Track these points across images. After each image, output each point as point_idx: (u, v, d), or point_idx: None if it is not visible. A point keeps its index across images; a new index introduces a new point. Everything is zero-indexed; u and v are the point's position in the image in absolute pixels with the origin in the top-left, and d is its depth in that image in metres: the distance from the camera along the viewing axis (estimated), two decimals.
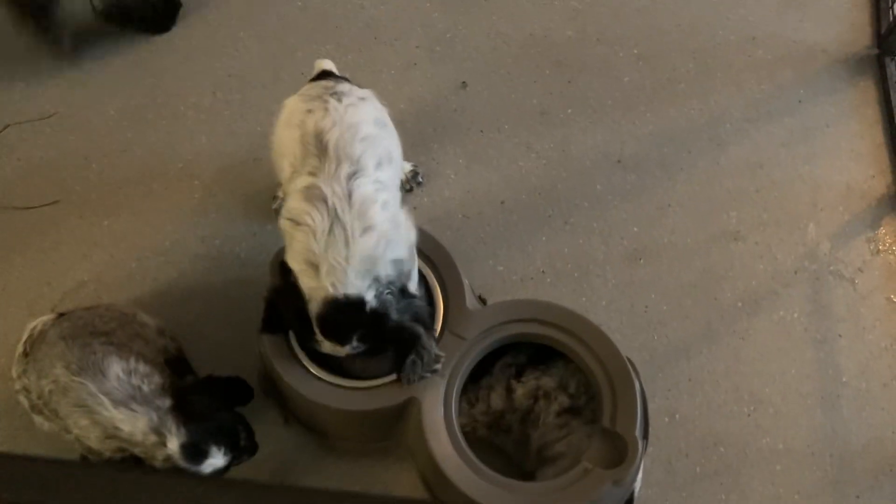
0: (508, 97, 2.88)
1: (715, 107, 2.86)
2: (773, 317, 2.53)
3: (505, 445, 2.25)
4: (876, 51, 2.95)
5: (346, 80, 2.22)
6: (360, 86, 2.20)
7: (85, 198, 2.70)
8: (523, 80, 2.91)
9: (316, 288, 1.93)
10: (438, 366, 2.08)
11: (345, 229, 1.91)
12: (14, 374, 2.18)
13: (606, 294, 2.55)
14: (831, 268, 2.60)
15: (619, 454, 1.98)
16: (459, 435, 2.04)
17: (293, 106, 2.10)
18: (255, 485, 1.34)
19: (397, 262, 2.00)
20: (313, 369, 2.13)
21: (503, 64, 2.94)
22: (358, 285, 1.93)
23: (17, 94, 2.86)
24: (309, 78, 2.27)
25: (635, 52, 2.96)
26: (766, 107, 2.86)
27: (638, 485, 2.18)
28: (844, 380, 2.45)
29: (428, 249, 2.26)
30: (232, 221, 2.64)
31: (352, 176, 1.94)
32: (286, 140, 2.05)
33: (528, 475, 2.17)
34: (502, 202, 2.70)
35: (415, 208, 2.66)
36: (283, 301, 2.05)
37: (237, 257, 2.59)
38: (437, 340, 2.14)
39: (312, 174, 1.95)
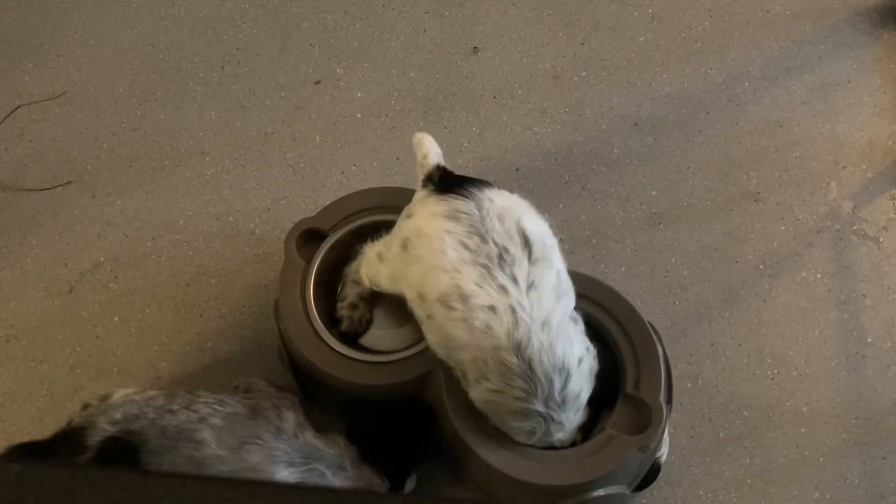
0: (521, 61, 2.82)
1: (732, 66, 2.79)
2: (796, 278, 2.49)
3: None
4: None
5: (482, 184, 1.87)
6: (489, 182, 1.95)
7: (96, 177, 2.68)
8: (535, 43, 2.85)
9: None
10: None
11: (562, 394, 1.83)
12: None
13: (626, 259, 2.52)
14: (854, 227, 2.55)
15: (643, 420, 1.97)
16: None
17: (465, 274, 1.73)
18: (282, 487, 1.32)
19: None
20: (335, 345, 2.11)
21: (514, 27, 2.88)
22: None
23: (26, 75, 2.84)
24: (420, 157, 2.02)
25: (649, 11, 2.89)
26: (785, 64, 2.79)
27: (665, 450, 2.16)
28: (869, 340, 2.41)
29: None
30: (245, 197, 2.62)
31: (564, 386, 1.84)
32: (468, 349, 1.76)
33: None
34: (517, 169, 2.66)
35: None
36: None
37: (252, 234, 2.57)
38: None
39: (521, 399, 1.77)
